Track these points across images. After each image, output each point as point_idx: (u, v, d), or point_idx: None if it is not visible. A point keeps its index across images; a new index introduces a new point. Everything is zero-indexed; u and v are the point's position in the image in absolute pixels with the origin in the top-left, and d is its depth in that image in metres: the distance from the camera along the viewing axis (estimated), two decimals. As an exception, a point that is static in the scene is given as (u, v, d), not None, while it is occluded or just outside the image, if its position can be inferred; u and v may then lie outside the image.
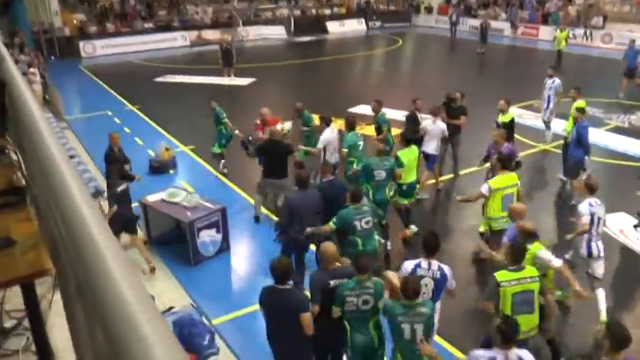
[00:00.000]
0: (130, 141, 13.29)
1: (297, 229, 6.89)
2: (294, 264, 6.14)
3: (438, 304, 5.45)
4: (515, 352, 4.46)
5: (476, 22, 31.15)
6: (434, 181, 10.50)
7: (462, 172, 11.04)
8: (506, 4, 32.63)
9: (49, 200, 1.35)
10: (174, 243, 8.51)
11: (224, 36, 22.44)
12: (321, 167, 8.00)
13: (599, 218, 6.75)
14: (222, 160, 11.45)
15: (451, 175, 11.06)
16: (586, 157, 9.75)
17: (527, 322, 5.19)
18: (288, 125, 10.83)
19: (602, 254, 6.72)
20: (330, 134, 9.37)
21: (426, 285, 5.31)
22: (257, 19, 33.16)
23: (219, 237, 8.30)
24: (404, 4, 37.95)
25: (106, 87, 19.97)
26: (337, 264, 5.38)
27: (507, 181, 7.41)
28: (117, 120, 15.43)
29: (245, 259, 8.48)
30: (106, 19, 29.17)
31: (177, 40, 29.73)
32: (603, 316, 6.50)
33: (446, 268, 5.41)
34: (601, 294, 6.63)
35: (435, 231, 6.25)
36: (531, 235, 5.78)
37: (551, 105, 12.24)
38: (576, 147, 9.65)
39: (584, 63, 23.65)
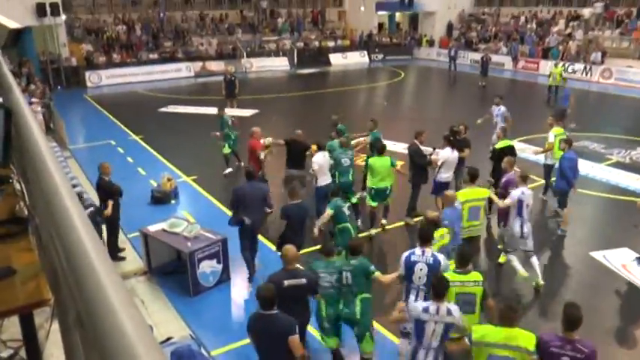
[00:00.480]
0: (133, 171, 13.37)
1: (246, 214, 8.14)
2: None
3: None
4: (446, 304, 5.15)
5: (476, 56, 31.60)
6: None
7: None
8: (506, 38, 33.09)
9: (51, 230, 1.36)
10: (175, 273, 8.48)
11: (228, 67, 22.74)
12: (289, 191, 8.22)
13: (527, 205, 8.08)
14: (228, 169, 13.23)
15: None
16: (572, 190, 9.90)
17: (468, 321, 5.45)
18: (269, 140, 11.35)
19: (530, 233, 8.15)
20: (322, 158, 9.94)
21: (421, 269, 5.94)
22: (261, 50, 33.65)
23: (219, 267, 8.27)
24: (406, 37, 38.49)
25: (111, 117, 20.17)
26: (297, 265, 5.91)
27: (475, 194, 8.32)
28: (120, 150, 15.54)
29: (245, 290, 8.42)
30: (113, 50, 29.63)
31: (182, 71, 30.13)
32: (540, 279, 8.06)
33: (440, 256, 6.05)
34: (534, 260, 8.15)
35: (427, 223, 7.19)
36: (432, 223, 7.00)
37: (497, 130, 12.51)
38: (561, 178, 9.90)
39: (585, 98, 23.85)
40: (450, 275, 5.66)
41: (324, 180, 9.91)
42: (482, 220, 8.64)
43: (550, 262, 9.04)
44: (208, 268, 8.13)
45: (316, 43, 35.53)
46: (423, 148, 10.52)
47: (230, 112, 19.12)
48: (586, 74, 27.44)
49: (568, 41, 29.48)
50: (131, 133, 17.52)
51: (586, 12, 30.39)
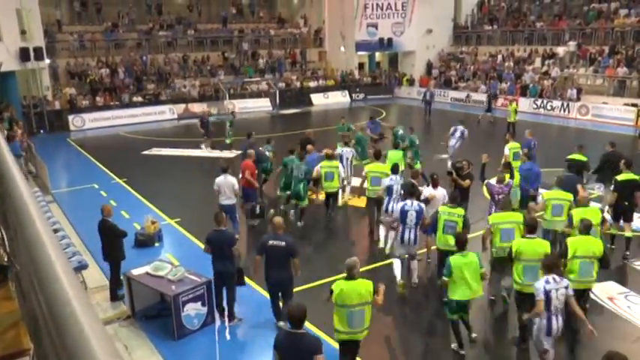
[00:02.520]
0: (116, 214, 13.15)
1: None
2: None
3: (416, 263, 9.26)
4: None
5: (456, 95, 32.34)
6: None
7: (470, 236, 11.04)
8: (485, 76, 33.81)
9: (32, 277, 1.34)
10: (159, 317, 8.34)
11: (209, 109, 22.85)
12: (214, 218, 8.29)
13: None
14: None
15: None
16: (531, 190, 11.15)
17: (450, 240, 8.18)
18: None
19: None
20: (222, 180, 11.05)
21: (412, 214, 8.83)
22: (243, 92, 33.95)
23: (204, 310, 8.15)
24: (388, 77, 39.07)
25: (94, 160, 20.08)
26: (281, 232, 7.51)
27: (377, 168, 11.51)
28: (103, 193, 15.41)
29: (230, 333, 8.28)
30: (96, 93, 29.67)
31: (165, 113, 30.25)
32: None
33: (422, 205, 9.05)
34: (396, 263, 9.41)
35: (412, 181, 10.13)
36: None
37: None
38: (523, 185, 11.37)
39: (565, 134, 24.30)
40: (443, 207, 8.77)
41: (225, 199, 11.08)
42: (382, 186, 10.70)
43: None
44: (193, 310, 8.01)
45: (297, 84, 35.97)
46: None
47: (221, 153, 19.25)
48: (564, 111, 28.03)
49: (544, 79, 30.21)
50: (114, 177, 17.41)
51: (560, 50, 31.26)
